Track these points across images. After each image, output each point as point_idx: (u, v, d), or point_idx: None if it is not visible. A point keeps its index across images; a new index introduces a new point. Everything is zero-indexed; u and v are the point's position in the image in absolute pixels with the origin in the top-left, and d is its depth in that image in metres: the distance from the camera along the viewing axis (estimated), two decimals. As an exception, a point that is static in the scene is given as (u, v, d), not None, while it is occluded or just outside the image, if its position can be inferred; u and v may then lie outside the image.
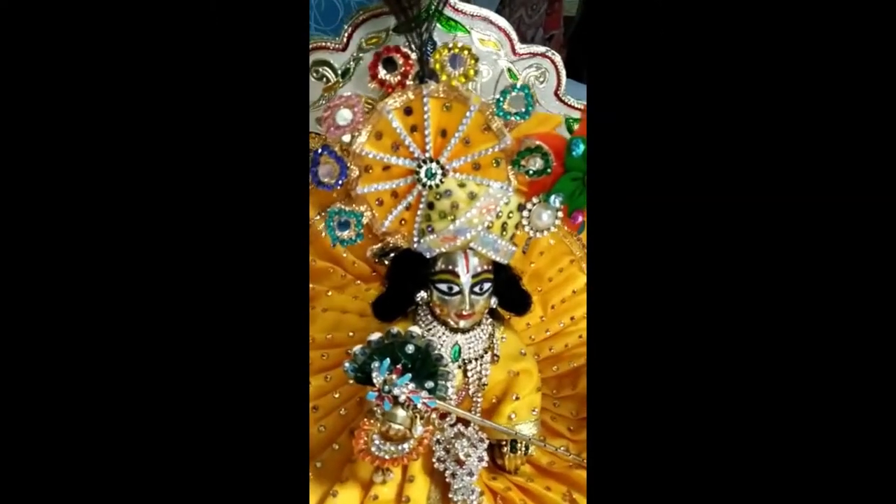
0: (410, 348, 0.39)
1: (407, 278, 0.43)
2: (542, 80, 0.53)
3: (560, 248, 0.59)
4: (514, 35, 0.50)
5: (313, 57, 0.50)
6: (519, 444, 0.45)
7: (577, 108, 0.54)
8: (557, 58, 0.52)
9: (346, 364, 0.39)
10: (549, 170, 0.40)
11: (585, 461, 0.46)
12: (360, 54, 0.50)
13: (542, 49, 0.51)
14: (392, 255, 0.43)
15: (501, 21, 0.50)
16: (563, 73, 0.53)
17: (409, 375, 0.38)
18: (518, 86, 0.39)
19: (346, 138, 0.40)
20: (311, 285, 0.55)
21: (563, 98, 0.53)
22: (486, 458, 0.43)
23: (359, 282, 0.56)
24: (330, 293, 0.55)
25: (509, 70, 0.51)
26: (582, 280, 0.59)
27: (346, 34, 0.49)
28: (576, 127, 0.50)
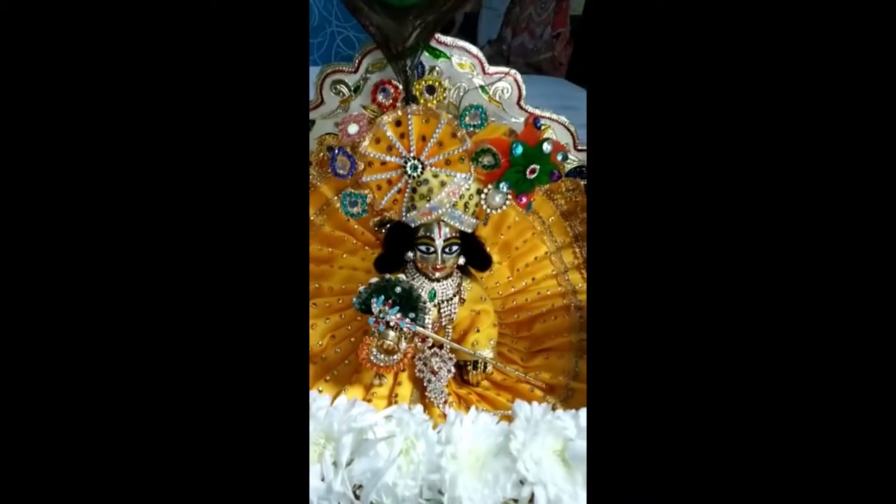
0: (398, 289, 0.56)
1: (398, 242, 0.59)
2: (507, 92, 0.68)
3: (524, 223, 0.75)
4: (484, 60, 0.66)
5: (332, 78, 0.66)
6: (479, 364, 0.62)
7: (532, 113, 0.69)
8: (518, 75, 0.67)
9: (354, 299, 0.56)
10: (497, 165, 0.56)
11: (528, 379, 0.63)
12: (367, 75, 0.65)
13: (505, 69, 0.66)
14: (388, 225, 0.60)
15: (474, 49, 0.65)
16: (523, 87, 0.68)
17: (397, 308, 0.55)
18: (475, 105, 0.55)
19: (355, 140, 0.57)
20: (329, 249, 0.72)
21: (523, 106, 0.68)
22: (453, 370, 0.60)
23: (366, 247, 0.73)
24: (344, 256, 0.72)
25: (482, 86, 0.67)
26: (542, 249, 0.75)
27: (357, 60, 0.65)
28: (519, 132, 0.66)
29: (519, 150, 0.54)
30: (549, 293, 0.73)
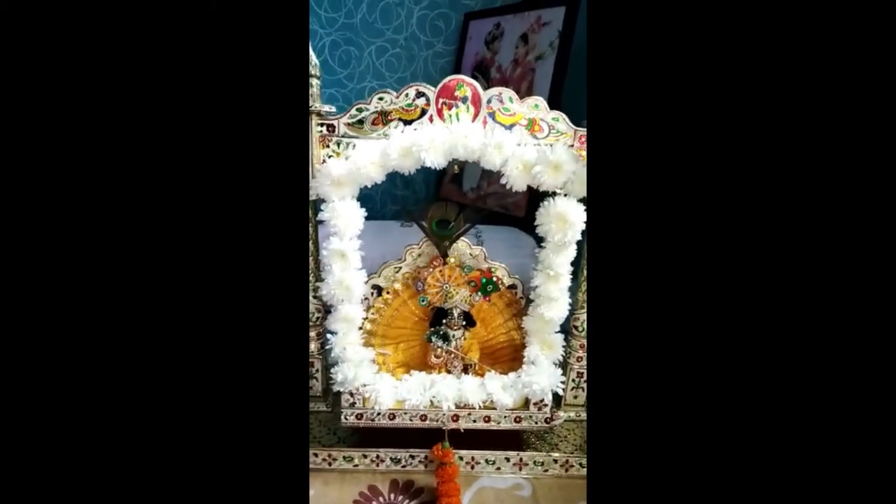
0: (441, 331, 1.51)
1: (440, 315, 1.55)
2: (481, 255, 1.66)
3: (490, 307, 1.70)
4: (471, 244, 1.64)
5: (409, 248, 1.64)
6: (473, 365, 1.55)
7: (490, 264, 1.66)
8: (485, 250, 1.65)
9: (423, 336, 1.51)
10: (475, 286, 1.52)
11: (490, 370, 1.55)
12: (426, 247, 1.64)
13: (480, 246, 1.64)
14: (435, 308, 1.56)
15: (465, 238, 1.64)
16: (486, 251, 1.66)
17: (441, 339, 1.50)
18: (467, 264, 1.53)
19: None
20: (409, 316, 1.67)
21: (486, 260, 1.66)
22: (461, 366, 1.53)
23: (424, 319, 1.68)
24: (416, 320, 1.66)
25: (470, 254, 1.65)
26: (499, 320, 1.69)
27: (421, 243, 1.63)
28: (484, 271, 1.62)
29: (483, 280, 1.51)
30: (501, 339, 1.66)
